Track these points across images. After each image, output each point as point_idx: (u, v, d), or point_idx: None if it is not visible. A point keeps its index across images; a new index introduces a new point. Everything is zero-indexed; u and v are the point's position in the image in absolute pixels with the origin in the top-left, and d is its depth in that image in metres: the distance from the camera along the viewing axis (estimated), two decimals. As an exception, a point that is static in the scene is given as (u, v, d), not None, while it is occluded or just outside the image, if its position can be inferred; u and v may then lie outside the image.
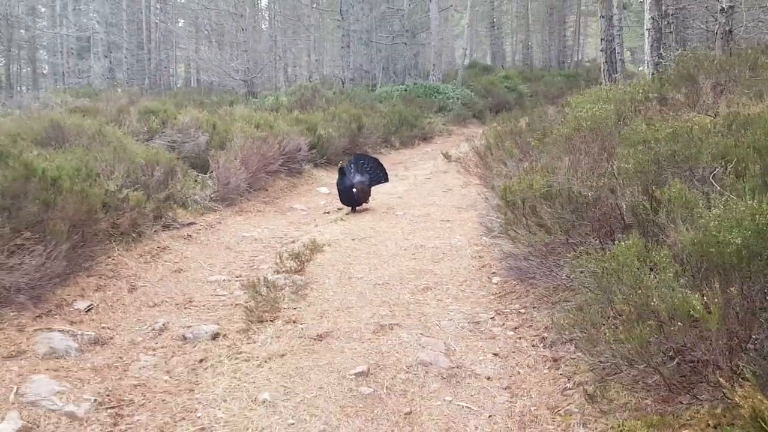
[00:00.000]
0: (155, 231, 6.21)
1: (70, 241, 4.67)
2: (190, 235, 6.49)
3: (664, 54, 7.24)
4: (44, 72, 36.41)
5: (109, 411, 3.13)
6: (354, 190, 7.65)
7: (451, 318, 4.09)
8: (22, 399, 3.12)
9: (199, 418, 3.02)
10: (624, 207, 3.05)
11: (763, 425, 1.68)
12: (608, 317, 2.66)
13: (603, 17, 11.86)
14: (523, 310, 4.08)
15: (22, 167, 4.75)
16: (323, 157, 11.30)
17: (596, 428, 2.69)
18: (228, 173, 7.98)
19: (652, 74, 7.08)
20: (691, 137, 3.12)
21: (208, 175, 8.14)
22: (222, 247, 6.32)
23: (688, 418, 2.48)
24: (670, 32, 9.88)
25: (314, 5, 30.49)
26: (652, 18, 7.09)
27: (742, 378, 2.02)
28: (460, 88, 21.34)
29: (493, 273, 4.92)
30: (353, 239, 6.30)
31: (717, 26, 6.54)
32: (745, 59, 5.07)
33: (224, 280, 5.27)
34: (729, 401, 2.25)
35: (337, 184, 7.72)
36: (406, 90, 20.26)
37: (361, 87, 21.54)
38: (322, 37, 32.75)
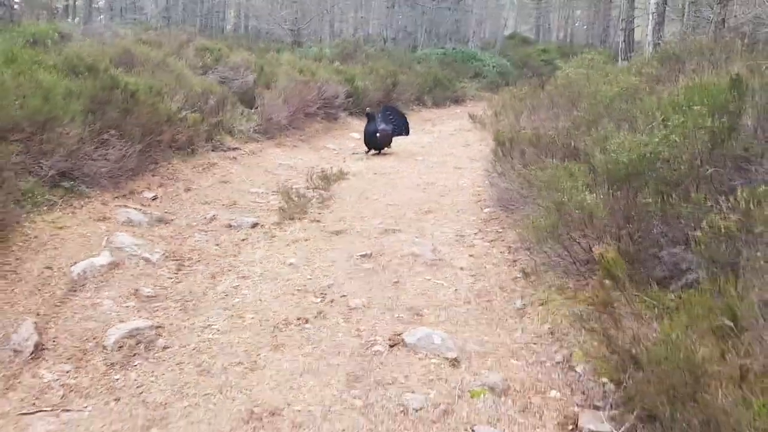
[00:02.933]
0: (206, 150, 7.29)
1: (141, 144, 5.75)
2: (235, 158, 7.54)
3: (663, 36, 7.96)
4: (99, 6, 37.73)
5: (174, 262, 4.22)
6: (377, 135, 8.65)
7: (443, 231, 5.08)
8: (111, 245, 4.21)
9: (240, 271, 4.09)
10: (573, 144, 3.96)
11: (605, 264, 2.63)
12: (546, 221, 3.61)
13: (625, -1, 12.43)
14: (500, 230, 5.04)
15: (108, 79, 5.82)
16: (358, 107, 12.20)
17: (529, 300, 3.67)
18: (271, 110, 8.99)
19: (651, 53, 7.84)
20: (633, 97, 3.99)
21: (253, 110, 9.14)
22: (261, 169, 7.36)
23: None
24: (690, 18, 10.49)
25: (365, -37, 30.96)
26: (656, 3, 7.79)
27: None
28: (497, 57, 21.93)
29: (487, 206, 5.86)
30: (375, 173, 7.29)
31: (712, 15, 7.26)
32: (724, 45, 5.84)
33: (262, 192, 6.31)
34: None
35: (365, 127, 8.73)
36: (444, 54, 20.92)
37: (402, 47, 22.28)
38: (370, -5, 33.23)
